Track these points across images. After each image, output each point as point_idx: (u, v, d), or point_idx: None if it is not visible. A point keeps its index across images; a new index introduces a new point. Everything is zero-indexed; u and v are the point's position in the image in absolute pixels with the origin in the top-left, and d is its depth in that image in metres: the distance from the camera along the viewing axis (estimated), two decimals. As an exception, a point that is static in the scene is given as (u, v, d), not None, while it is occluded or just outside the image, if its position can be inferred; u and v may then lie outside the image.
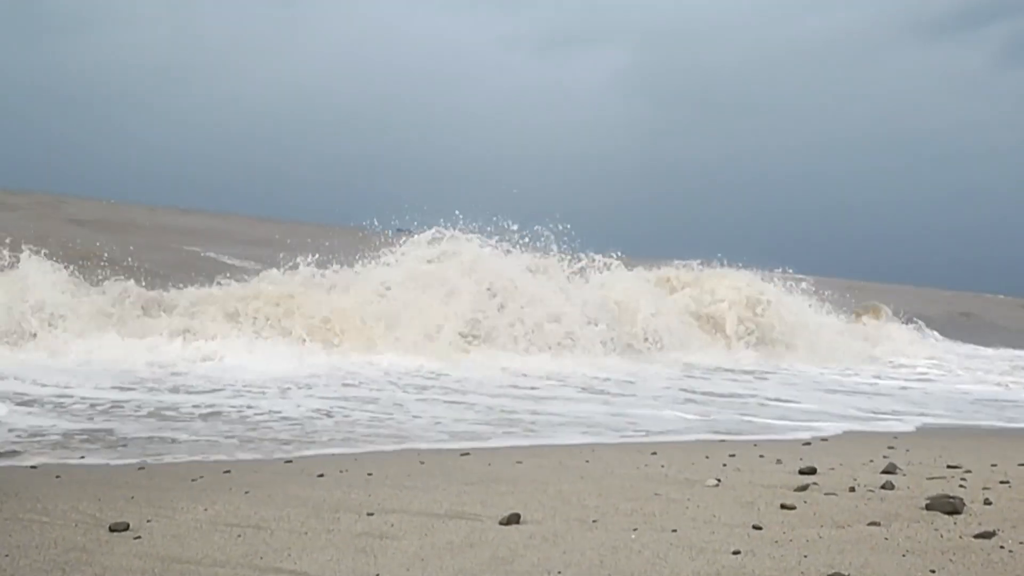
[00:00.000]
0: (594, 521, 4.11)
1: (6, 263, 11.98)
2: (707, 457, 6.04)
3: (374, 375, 10.59)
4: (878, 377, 14.63)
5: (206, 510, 4.23)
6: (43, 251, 12.33)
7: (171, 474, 5.18)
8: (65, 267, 12.24)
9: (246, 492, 4.62)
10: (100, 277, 12.85)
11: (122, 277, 12.87)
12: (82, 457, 5.63)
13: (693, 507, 4.42)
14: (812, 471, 5.34)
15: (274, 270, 13.89)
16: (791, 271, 19.78)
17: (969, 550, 3.62)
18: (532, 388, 10.41)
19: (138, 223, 31.11)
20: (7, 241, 12.34)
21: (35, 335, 10.71)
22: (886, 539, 3.79)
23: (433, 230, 14.71)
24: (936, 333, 24.47)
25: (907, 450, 6.68)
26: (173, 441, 6.32)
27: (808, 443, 7.34)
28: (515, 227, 15.10)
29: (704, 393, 10.97)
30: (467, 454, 6.20)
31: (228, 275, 13.89)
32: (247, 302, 12.53)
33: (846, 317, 20.94)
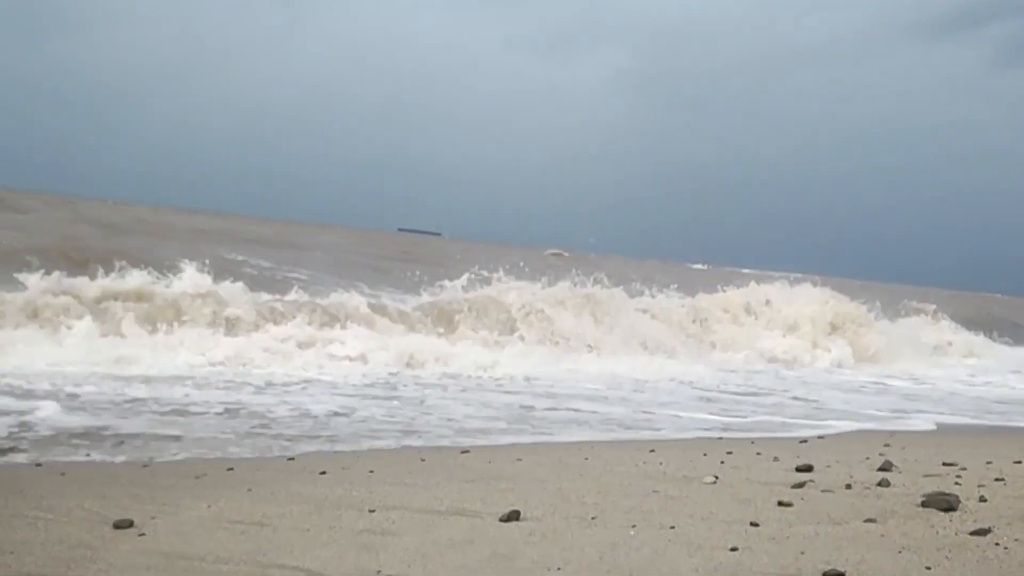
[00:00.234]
0: (593, 518, 4.15)
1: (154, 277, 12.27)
2: (705, 455, 6.08)
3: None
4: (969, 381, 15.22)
5: (210, 507, 4.26)
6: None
7: (175, 471, 5.21)
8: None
9: (249, 489, 4.66)
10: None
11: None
12: (87, 455, 5.66)
13: (691, 504, 4.45)
14: (809, 468, 5.38)
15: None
16: (796, 273, 19.87)
17: (964, 547, 3.66)
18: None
19: (176, 226, 31.17)
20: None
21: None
22: (882, 536, 3.83)
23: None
24: (987, 336, 24.11)
25: (903, 448, 6.72)
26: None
27: (805, 441, 7.38)
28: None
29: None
30: (467, 452, 6.23)
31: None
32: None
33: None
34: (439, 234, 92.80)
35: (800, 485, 4.86)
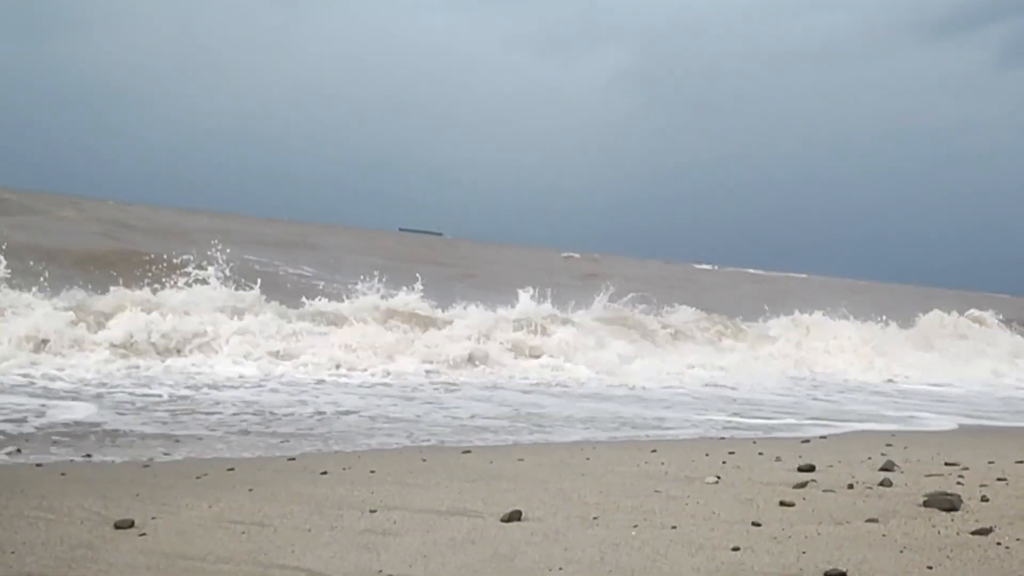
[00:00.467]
0: (595, 518, 4.14)
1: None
2: (707, 455, 6.07)
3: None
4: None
5: (210, 507, 4.26)
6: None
7: (175, 471, 5.21)
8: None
9: (250, 489, 4.65)
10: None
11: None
12: (87, 455, 5.66)
13: (693, 504, 4.45)
14: (811, 468, 5.37)
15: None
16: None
17: (966, 547, 3.65)
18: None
19: (186, 227, 31.09)
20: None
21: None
22: (884, 536, 3.82)
23: None
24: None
25: (905, 447, 6.71)
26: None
27: (807, 441, 7.38)
28: None
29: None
30: (468, 452, 6.23)
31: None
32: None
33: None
34: (440, 234, 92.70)
35: (802, 485, 4.85)
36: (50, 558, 3.46)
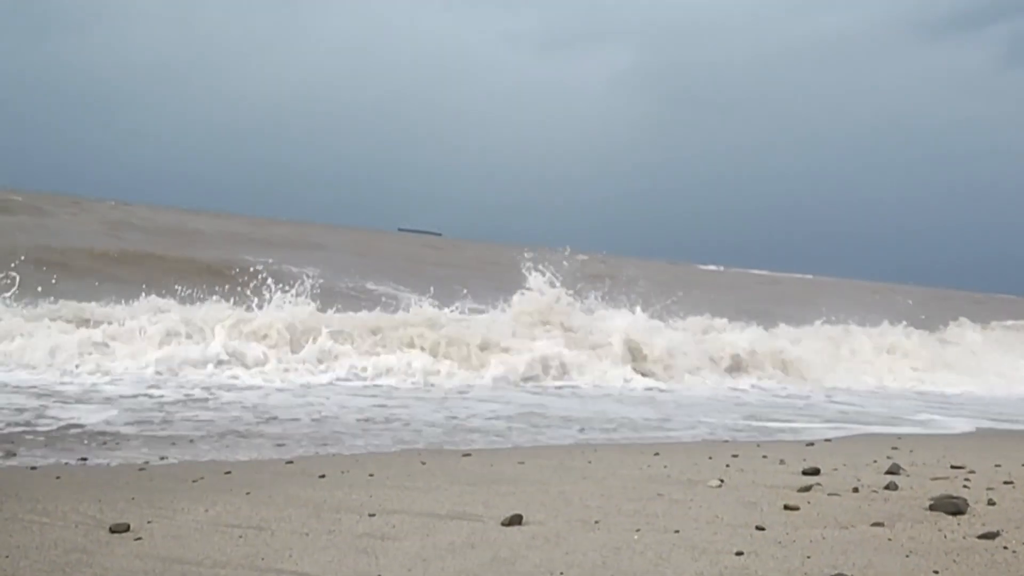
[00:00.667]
0: (596, 522, 4.10)
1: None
2: (710, 458, 6.02)
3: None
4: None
5: (207, 511, 4.21)
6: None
7: (171, 475, 5.17)
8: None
9: (247, 493, 4.61)
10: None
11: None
12: (83, 459, 5.62)
13: (696, 508, 4.40)
14: (815, 472, 5.32)
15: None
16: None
17: (973, 551, 3.61)
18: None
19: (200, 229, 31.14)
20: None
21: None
22: (890, 540, 3.78)
23: None
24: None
25: (911, 451, 6.66)
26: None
27: (812, 444, 7.33)
28: None
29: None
30: (468, 455, 6.18)
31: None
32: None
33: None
34: (439, 234, 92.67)
35: (807, 488, 4.80)
36: (45, 562, 3.42)
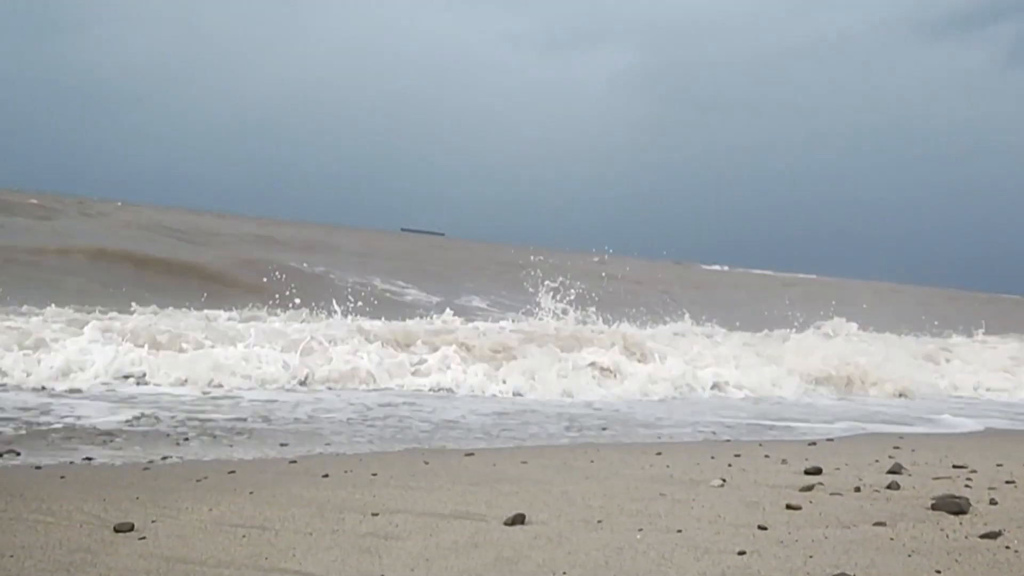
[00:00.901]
0: (599, 521, 4.10)
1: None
2: (712, 457, 6.02)
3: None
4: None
5: (211, 510, 4.22)
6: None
7: (175, 474, 5.18)
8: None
9: (251, 492, 4.62)
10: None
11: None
12: (87, 458, 5.63)
13: (698, 507, 4.40)
14: (818, 471, 5.32)
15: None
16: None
17: (975, 550, 3.61)
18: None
19: (216, 230, 31.13)
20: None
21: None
22: (892, 539, 3.78)
23: None
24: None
25: (913, 450, 6.66)
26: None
27: (814, 443, 7.33)
28: None
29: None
30: (471, 454, 6.19)
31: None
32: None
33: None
34: (442, 234, 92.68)
35: (809, 488, 4.81)
36: (49, 562, 3.43)
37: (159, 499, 4.41)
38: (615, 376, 11.42)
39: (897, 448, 6.74)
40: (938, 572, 3.36)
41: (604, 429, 8.09)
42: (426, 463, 5.66)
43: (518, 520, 4.06)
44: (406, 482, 4.97)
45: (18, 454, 5.58)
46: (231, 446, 6.30)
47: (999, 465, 5.70)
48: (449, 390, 10.02)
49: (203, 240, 26.83)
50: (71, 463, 5.46)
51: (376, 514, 4.19)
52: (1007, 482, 5.05)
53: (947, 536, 3.83)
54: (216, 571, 3.38)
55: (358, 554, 3.58)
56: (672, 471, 5.42)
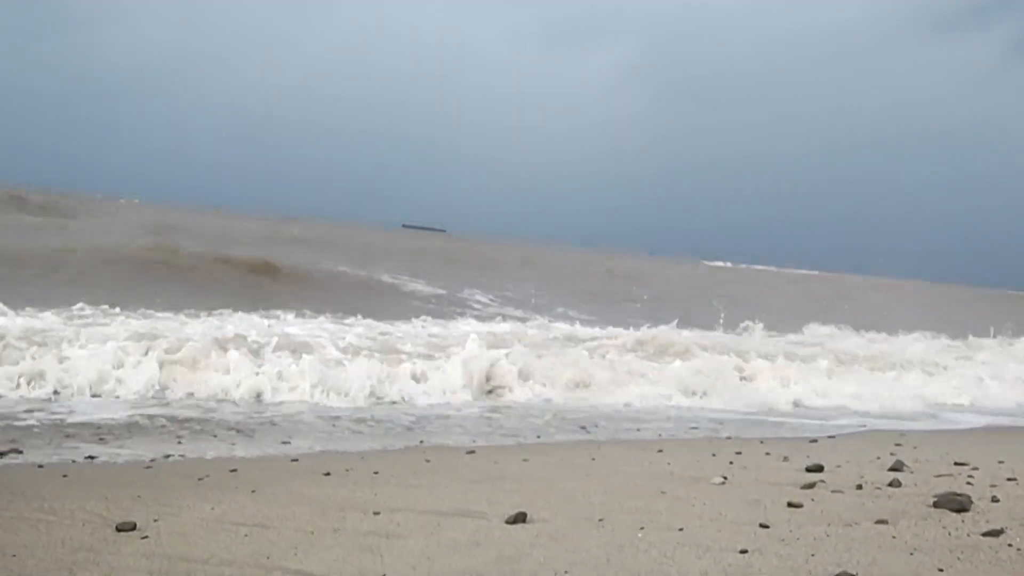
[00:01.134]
0: (600, 519, 4.10)
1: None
2: (713, 455, 6.02)
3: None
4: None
5: (212, 509, 4.22)
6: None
7: (177, 473, 5.18)
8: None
9: (252, 491, 4.62)
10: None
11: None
12: (90, 457, 5.63)
13: (699, 505, 4.40)
14: (819, 469, 5.32)
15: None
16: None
17: (977, 548, 3.60)
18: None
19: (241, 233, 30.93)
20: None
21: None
22: (894, 537, 3.78)
23: None
24: None
25: (914, 447, 6.66)
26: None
27: (815, 441, 7.33)
28: None
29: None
30: (472, 452, 6.19)
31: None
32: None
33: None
34: (444, 231, 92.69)
35: (810, 486, 4.81)
36: (51, 561, 3.43)
37: (161, 498, 4.41)
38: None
39: (899, 445, 6.74)
40: (940, 570, 3.35)
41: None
42: (427, 461, 5.66)
43: (519, 518, 4.06)
44: (407, 480, 4.97)
45: (20, 452, 5.59)
46: (233, 444, 6.29)
47: (1001, 462, 5.69)
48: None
49: (241, 240, 26.74)
50: (73, 462, 5.46)
51: (378, 512, 4.19)
52: (1009, 479, 5.05)
53: (949, 534, 3.83)
54: (218, 569, 3.38)
55: (360, 552, 3.58)
56: (673, 469, 5.41)
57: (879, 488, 4.77)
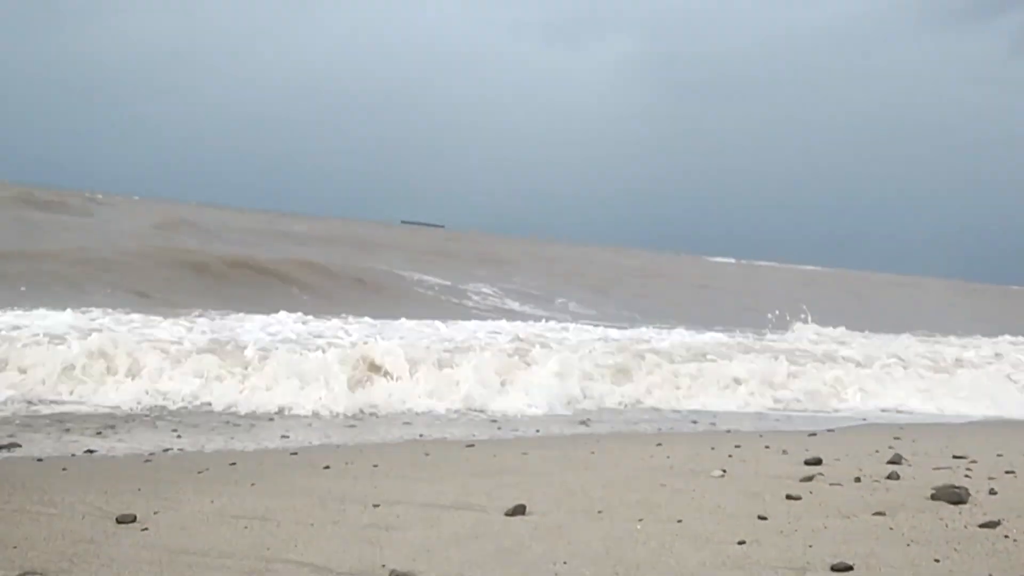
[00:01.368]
0: (599, 512, 4.11)
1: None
2: (712, 448, 6.03)
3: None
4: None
5: (212, 502, 4.24)
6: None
7: (177, 466, 5.19)
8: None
9: (252, 484, 4.63)
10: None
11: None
12: (89, 450, 5.64)
13: (698, 498, 4.41)
14: (818, 462, 5.33)
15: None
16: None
17: (974, 540, 3.61)
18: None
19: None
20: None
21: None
22: (891, 529, 3.79)
23: None
24: None
25: (913, 440, 6.67)
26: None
27: (814, 434, 7.34)
28: None
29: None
30: (472, 445, 6.20)
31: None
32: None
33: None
34: (442, 226, 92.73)
35: (809, 478, 4.82)
36: (52, 553, 3.44)
37: (161, 491, 4.43)
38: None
39: (897, 438, 6.75)
40: (937, 561, 3.37)
41: None
42: (427, 454, 5.68)
43: (519, 511, 4.07)
44: (407, 473, 4.98)
45: (19, 446, 5.60)
46: (232, 437, 6.30)
47: (999, 455, 5.71)
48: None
49: (257, 238, 26.71)
50: (73, 455, 5.47)
51: (377, 505, 4.21)
52: (1007, 472, 5.06)
53: (946, 526, 3.84)
54: (218, 562, 3.39)
55: (359, 545, 3.59)
56: (672, 462, 5.43)
57: (877, 481, 4.78)
